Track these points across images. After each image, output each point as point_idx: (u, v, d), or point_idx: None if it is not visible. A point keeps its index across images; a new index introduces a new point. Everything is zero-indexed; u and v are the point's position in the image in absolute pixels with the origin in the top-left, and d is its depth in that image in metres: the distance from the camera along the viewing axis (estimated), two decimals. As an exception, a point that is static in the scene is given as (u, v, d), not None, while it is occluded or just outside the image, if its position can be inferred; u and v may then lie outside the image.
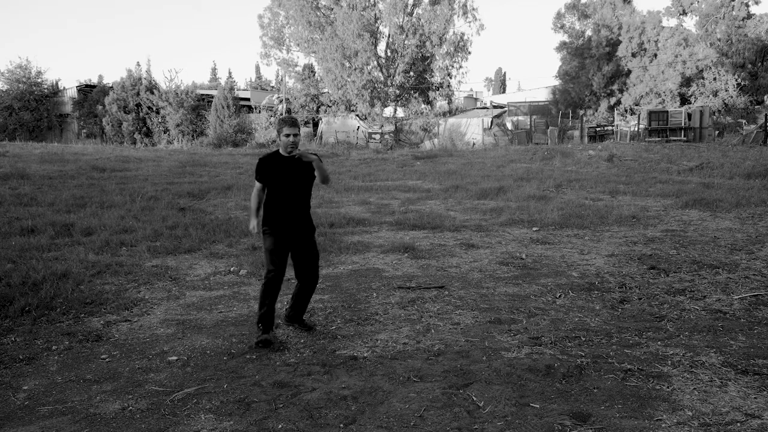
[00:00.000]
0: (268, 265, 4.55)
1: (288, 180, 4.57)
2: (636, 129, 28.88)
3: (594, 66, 36.71)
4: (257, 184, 4.68)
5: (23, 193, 11.98)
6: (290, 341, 4.56)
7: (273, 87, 55.44)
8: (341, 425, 3.26)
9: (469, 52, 35.81)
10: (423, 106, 35.53)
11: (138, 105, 37.04)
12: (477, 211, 10.56)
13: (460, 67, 35.92)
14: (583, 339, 4.47)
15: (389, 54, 34.80)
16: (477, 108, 45.00)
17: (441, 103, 38.40)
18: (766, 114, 25.04)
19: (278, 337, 4.60)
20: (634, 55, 35.75)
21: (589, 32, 38.27)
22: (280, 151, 4.62)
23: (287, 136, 4.52)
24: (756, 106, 34.06)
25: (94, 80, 44.92)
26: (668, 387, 3.64)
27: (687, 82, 34.56)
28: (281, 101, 39.08)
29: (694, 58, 33.88)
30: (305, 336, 4.65)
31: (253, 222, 4.74)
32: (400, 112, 36.52)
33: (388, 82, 34.84)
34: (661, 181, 13.87)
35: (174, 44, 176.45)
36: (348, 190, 13.46)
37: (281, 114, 38.11)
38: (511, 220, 9.55)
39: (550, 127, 31.38)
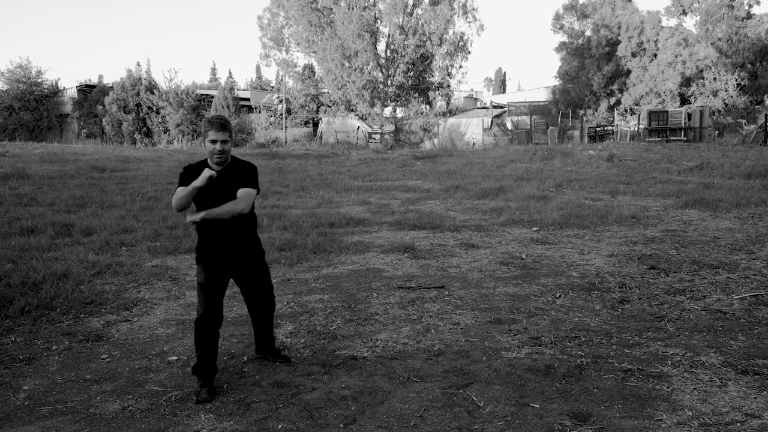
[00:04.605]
0: (199, 304, 3.69)
1: (219, 197, 3.59)
2: (636, 129, 28.88)
3: (594, 66, 36.72)
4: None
5: (23, 193, 11.98)
6: (290, 341, 4.56)
7: (273, 87, 55.50)
8: (341, 425, 3.26)
9: (469, 52, 35.90)
10: (423, 106, 35.55)
11: (138, 105, 37.06)
12: (477, 211, 10.56)
13: (460, 67, 36.00)
14: (583, 339, 4.47)
15: (389, 54, 34.80)
16: (477, 108, 45.02)
17: (441, 103, 38.43)
18: (766, 114, 25.03)
19: (277, 338, 4.60)
20: (633, 55, 35.77)
21: (588, 32, 38.29)
22: (208, 160, 3.66)
23: (213, 142, 3.53)
24: (756, 106, 34.04)
25: (94, 80, 45.01)
26: (668, 387, 3.64)
27: (687, 82, 34.57)
28: (281, 101, 39.08)
29: (694, 58, 33.89)
30: (305, 336, 4.64)
31: (200, 179, 3.51)
32: (400, 112, 36.54)
33: (388, 82, 34.85)
34: (661, 181, 13.87)
35: (174, 44, 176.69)
36: (348, 190, 13.46)
37: (280, 114, 38.12)
38: (511, 220, 9.55)
39: (550, 127, 31.36)
